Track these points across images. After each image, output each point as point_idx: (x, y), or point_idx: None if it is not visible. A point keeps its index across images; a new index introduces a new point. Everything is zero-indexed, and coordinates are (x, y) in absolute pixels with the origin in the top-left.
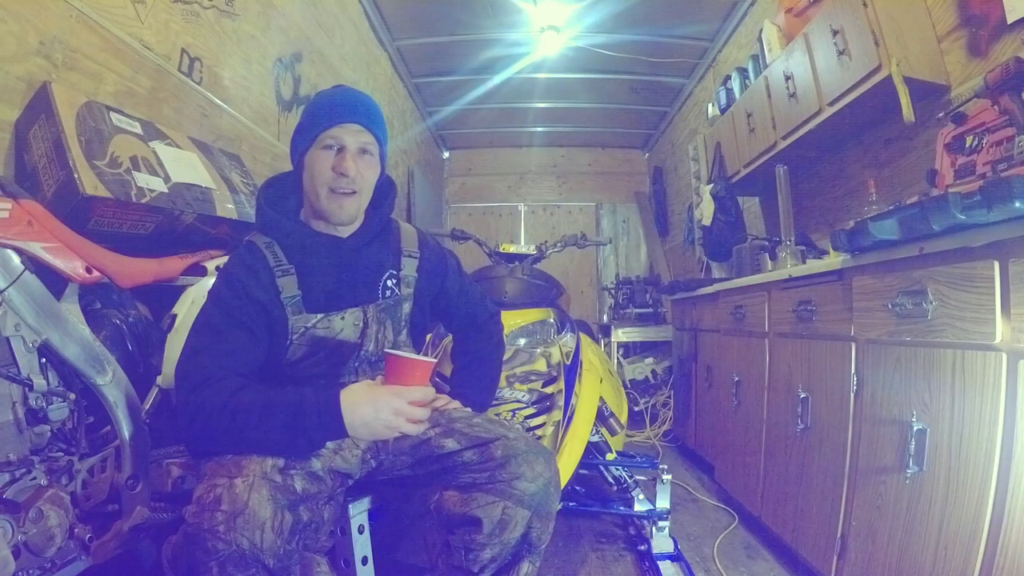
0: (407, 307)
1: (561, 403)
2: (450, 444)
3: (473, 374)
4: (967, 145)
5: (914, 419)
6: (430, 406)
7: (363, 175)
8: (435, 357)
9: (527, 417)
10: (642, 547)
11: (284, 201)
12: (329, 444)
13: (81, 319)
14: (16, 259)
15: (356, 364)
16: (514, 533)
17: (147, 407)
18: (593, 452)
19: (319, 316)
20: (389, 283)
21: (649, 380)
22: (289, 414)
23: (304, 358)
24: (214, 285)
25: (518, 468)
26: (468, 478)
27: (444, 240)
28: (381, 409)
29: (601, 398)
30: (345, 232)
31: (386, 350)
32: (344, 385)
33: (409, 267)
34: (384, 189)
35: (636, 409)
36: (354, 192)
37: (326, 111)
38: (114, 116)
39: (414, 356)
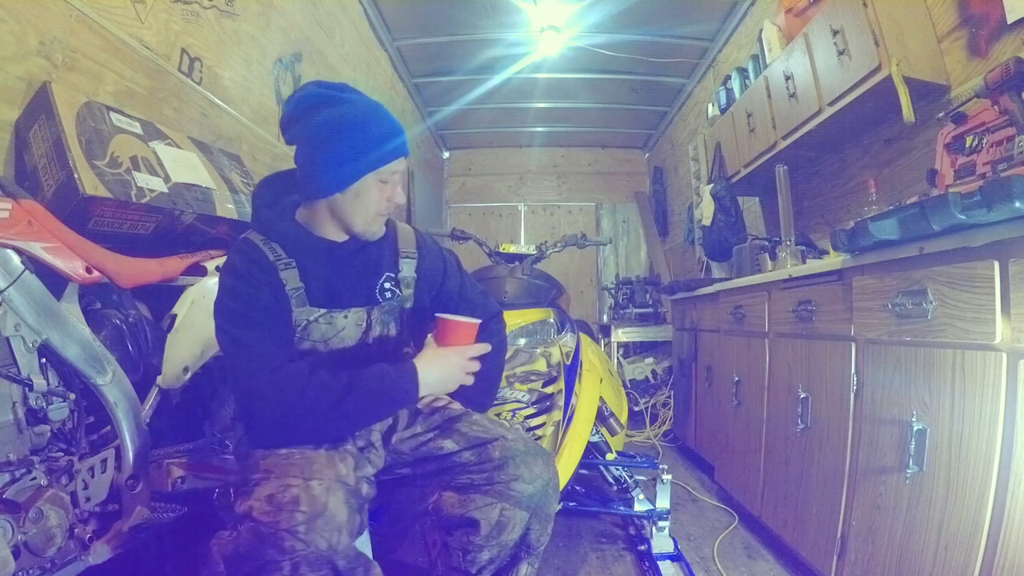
0: (408, 308)
1: (561, 403)
2: (449, 445)
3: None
4: (967, 145)
5: (914, 419)
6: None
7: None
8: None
9: (527, 417)
10: (642, 547)
11: (280, 202)
12: (372, 440)
13: (81, 319)
14: (16, 259)
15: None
16: (512, 535)
17: (147, 407)
18: (593, 452)
19: (322, 311)
20: (386, 285)
21: (649, 380)
22: (372, 385)
23: (305, 354)
24: (222, 282)
25: (516, 470)
26: (466, 479)
27: (444, 240)
28: (453, 367)
29: (601, 398)
30: (341, 237)
31: (437, 315)
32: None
33: (407, 268)
34: None
35: (636, 409)
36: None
37: (386, 143)
38: (114, 116)
39: (464, 319)
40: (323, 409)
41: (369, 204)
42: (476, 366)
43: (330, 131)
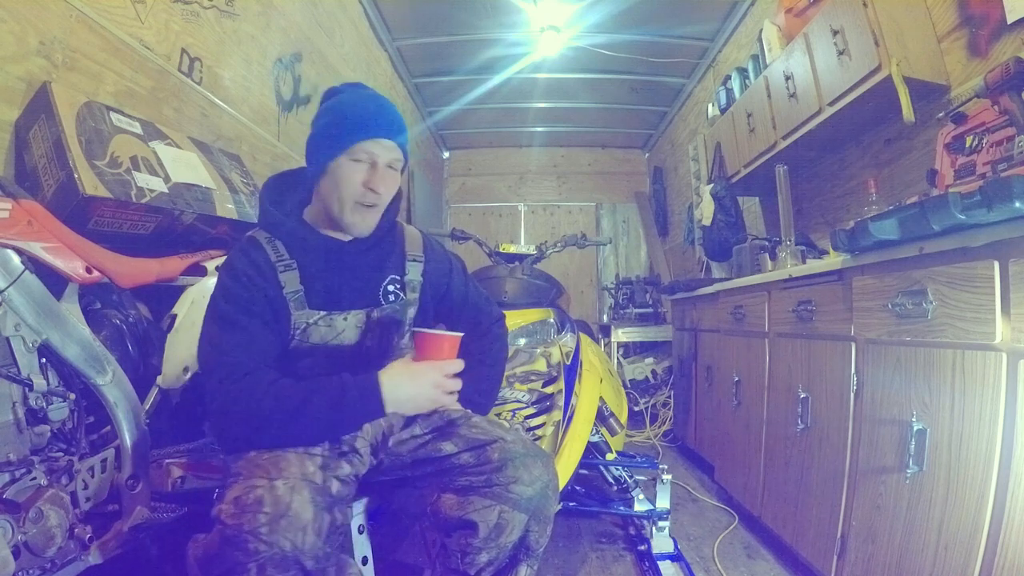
0: (411, 312)
1: (561, 403)
2: (448, 447)
3: (475, 377)
4: (967, 145)
5: (914, 419)
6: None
7: (389, 190)
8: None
9: (527, 417)
10: (642, 547)
11: (287, 200)
12: (357, 446)
13: (81, 319)
14: (16, 259)
15: (355, 367)
16: (511, 537)
17: (147, 407)
18: (593, 452)
19: (321, 313)
20: (391, 288)
21: (649, 380)
22: (331, 397)
23: (303, 356)
24: (219, 279)
25: (515, 472)
26: (465, 481)
27: (444, 240)
28: (424, 384)
29: (601, 398)
30: (347, 236)
31: (414, 328)
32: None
33: (414, 272)
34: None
35: (636, 409)
36: (376, 206)
37: (361, 122)
38: (114, 116)
39: (443, 332)
40: (279, 420)
41: (343, 187)
42: (455, 384)
43: (319, 118)
